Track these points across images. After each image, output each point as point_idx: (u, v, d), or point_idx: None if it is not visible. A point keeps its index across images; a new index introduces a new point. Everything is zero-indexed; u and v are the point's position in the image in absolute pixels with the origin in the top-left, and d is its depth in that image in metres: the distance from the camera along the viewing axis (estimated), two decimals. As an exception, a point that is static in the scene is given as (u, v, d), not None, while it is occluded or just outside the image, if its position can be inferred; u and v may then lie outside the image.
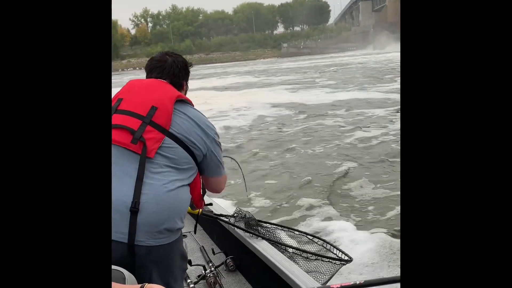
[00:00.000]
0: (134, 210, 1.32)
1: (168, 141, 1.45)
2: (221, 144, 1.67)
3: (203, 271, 2.27)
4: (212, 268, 2.28)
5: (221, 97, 19.19)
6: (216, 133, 1.60)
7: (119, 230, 1.30)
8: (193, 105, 1.61)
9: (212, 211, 2.39)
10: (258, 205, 5.70)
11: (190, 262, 2.25)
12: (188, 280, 2.19)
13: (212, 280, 2.17)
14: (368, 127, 10.15)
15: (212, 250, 2.52)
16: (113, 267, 1.06)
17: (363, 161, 7.28)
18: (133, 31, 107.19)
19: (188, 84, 1.78)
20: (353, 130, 9.93)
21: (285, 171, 7.20)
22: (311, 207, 5.44)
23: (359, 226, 4.67)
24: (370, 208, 5.20)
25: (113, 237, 1.27)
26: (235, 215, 2.29)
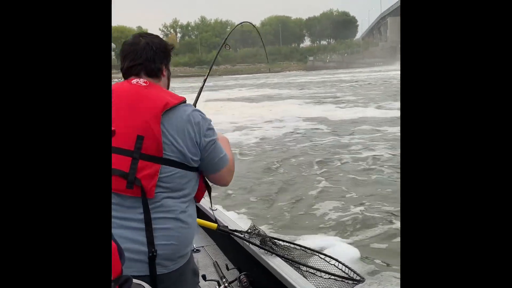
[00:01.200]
0: (153, 256, 1.31)
1: (165, 169, 1.34)
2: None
3: (217, 287, 2.27)
4: (226, 284, 2.27)
5: (241, 108, 19.28)
6: (208, 129, 1.43)
7: (140, 270, 1.31)
8: (182, 100, 1.43)
9: (227, 227, 2.41)
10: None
11: (204, 277, 2.27)
12: None
13: None
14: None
15: (226, 265, 2.52)
16: (135, 280, 1.08)
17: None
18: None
19: (170, 69, 1.57)
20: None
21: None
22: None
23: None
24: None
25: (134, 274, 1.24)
26: (249, 231, 2.30)
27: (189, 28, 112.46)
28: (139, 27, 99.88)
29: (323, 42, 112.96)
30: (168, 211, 1.35)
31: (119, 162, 1.30)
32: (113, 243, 0.95)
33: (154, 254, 1.30)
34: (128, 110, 1.35)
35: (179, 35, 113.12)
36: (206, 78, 2.23)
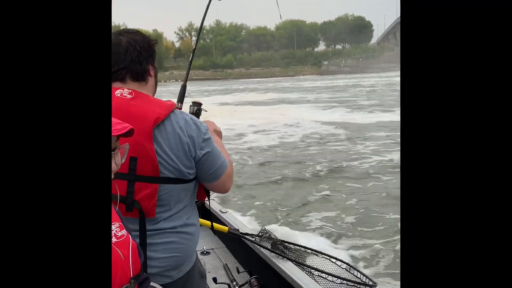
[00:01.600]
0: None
1: (163, 187, 1.28)
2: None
3: None
4: (237, 287, 2.27)
5: (254, 112, 19.30)
6: (203, 141, 1.33)
7: None
8: (172, 107, 1.32)
9: (238, 230, 2.41)
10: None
11: (215, 280, 2.29)
12: None
13: None
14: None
15: (237, 268, 2.51)
16: (151, 283, 1.08)
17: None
18: (177, 44, 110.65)
19: (156, 67, 1.44)
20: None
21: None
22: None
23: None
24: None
25: None
26: (260, 234, 2.30)
27: (204, 31, 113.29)
28: (155, 30, 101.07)
29: (338, 47, 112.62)
30: (169, 227, 1.32)
31: (115, 186, 1.20)
32: (133, 242, 0.96)
33: (146, 274, 1.23)
34: None
35: (194, 38, 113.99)
36: (187, 79, 2.00)
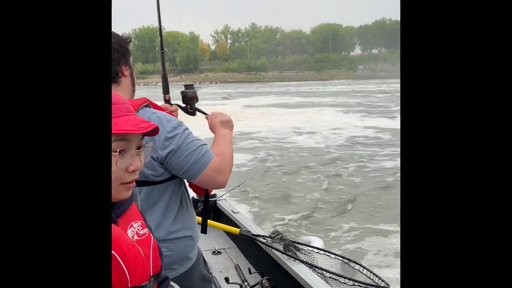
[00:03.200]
0: None
1: (138, 190, 1.22)
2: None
3: None
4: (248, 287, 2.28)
5: (283, 116, 19.29)
6: (166, 139, 1.23)
7: None
8: (141, 104, 1.25)
9: (250, 231, 2.42)
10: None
11: (227, 280, 2.30)
12: None
13: None
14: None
15: (249, 269, 2.51)
16: (171, 283, 1.09)
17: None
18: (213, 47, 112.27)
19: (133, 66, 1.38)
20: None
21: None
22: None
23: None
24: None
25: None
26: (272, 236, 2.30)
27: (240, 34, 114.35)
28: (191, 33, 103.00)
29: (374, 51, 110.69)
30: (155, 227, 1.24)
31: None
32: (154, 241, 0.96)
33: None
34: None
35: (229, 41, 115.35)
36: (164, 67, 1.80)
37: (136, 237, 0.89)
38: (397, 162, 9.37)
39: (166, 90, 1.69)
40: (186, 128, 1.29)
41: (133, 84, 1.37)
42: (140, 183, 1.23)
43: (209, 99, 30.82)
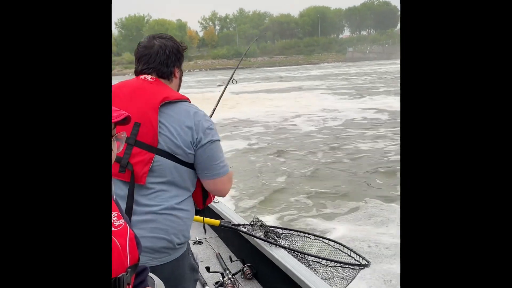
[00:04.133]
0: None
1: (158, 158, 1.34)
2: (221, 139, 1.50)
3: (221, 278, 2.30)
4: (230, 276, 2.29)
5: (273, 100, 19.26)
6: (209, 128, 1.42)
7: None
8: (185, 99, 1.44)
9: (230, 222, 2.43)
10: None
11: (208, 269, 2.33)
12: (206, 287, 2.24)
13: (230, 287, 2.20)
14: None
15: (230, 257, 2.53)
16: (149, 274, 1.09)
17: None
18: (201, 34, 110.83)
19: (182, 69, 1.59)
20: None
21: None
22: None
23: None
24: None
25: None
26: (252, 223, 2.32)
27: (228, 20, 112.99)
28: (179, 20, 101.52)
29: (363, 33, 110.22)
30: (159, 203, 1.35)
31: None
32: (131, 231, 0.95)
33: None
34: (129, 99, 1.38)
35: (217, 27, 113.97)
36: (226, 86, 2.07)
37: (113, 229, 0.87)
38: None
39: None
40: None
41: (179, 86, 1.59)
42: (171, 156, 1.36)
43: (206, 86, 30.61)
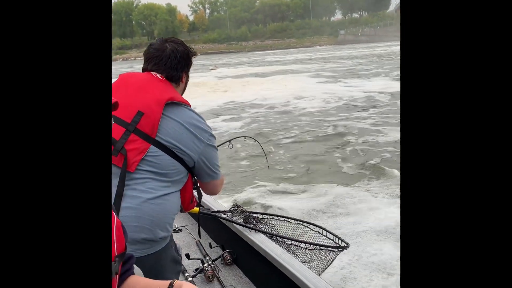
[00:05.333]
0: None
1: (153, 149, 1.36)
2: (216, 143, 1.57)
3: (201, 265, 2.30)
4: (210, 262, 2.29)
5: (264, 84, 19.22)
6: (210, 135, 1.49)
7: None
8: (188, 105, 1.48)
9: (209, 209, 2.44)
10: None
11: (188, 256, 2.32)
12: (186, 274, 2.22)
13: (210, 273, 2.21)
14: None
15: (209, 244, 2.52)
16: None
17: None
18: (191, 18, 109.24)
19: (190, 75, 1.63)
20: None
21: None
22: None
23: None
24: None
25: None
26: (232, 209, 2.33)
27: (218, 3, 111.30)
28: (168, 4, 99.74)
29: (355, 15, 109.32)
30: (146, 192, 1.36)
31: (113, 129, 1.31)
32: (118, 220, 0.95)
33: None
34: (137, 90, 1.42)
35: (207, 11, 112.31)
36: None
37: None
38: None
39: None
40: None
41: (183, 90, 1.64)
42: (167, 150, 1.38)
43: (197, 71, 30.38)
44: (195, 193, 1.68)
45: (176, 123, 1.40)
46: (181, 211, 1.59)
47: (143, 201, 1.35)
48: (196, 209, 2.40)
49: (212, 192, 1.64)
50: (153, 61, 1.52)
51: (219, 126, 10.65)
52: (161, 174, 1.38)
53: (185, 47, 1.57)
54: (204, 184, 1.58)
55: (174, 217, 1.49)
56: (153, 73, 1.50)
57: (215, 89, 18.16)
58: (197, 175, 1.54)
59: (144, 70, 1.55)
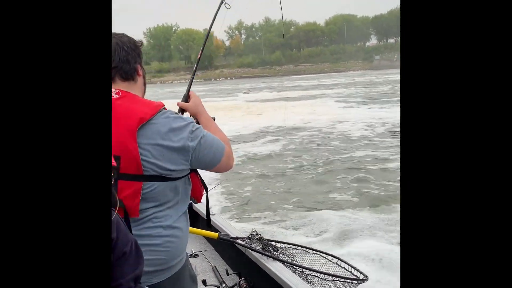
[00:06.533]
0: None
1: (147, 185, 1.27)
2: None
3: None
4: None
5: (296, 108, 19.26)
6: (190, 132, 1.32)
7: None
8: (160, 108, 1.31)
9: (228, 235, 2.41)
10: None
11: (204, 283, 2.28)
12: None
13: None
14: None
15: (226, 271, 2.48)
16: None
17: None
18: (227, 43, 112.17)
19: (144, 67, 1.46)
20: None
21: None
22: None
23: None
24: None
25: None
26: (250, 237, 2.30)
27: (253, 29, 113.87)
28: (206, 29, 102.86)
29: (390, 41, 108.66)
30: (155, 227, 1.31)
31: None
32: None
33: None
34: None
35: (243, 36, 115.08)
36: (193, 78, 2.02)
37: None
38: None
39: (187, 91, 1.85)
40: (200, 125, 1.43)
41: (144, 84, 1.47)
42: (159, 178, 1.29)
43: (230, 94, 30.93)
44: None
45: (153, 147, 1.27)
46: (194, 202, 1.47)
47: (155, 238, 1.31)
48: (215, 234, 2.41)
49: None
50: None
51: (258, 150, 10.70)
52: (164, 202, 1.32)
53: (129, 38, 1.42)
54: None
55: (187, 239, 1.44)
56: None
57: (247, 112, 18.40)
58: (204, 168, 1.41)
59: None
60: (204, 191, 1.52)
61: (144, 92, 1.49)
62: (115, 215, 0.97)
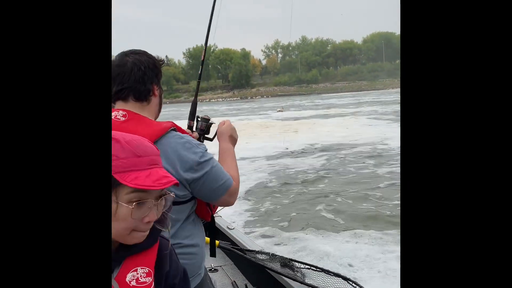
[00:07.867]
0: None
1: None
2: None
3: None
4: None
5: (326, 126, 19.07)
6: (199, 160, 1.29)
7: None
8: (167, 131, 1.28)
9: (253, 250, 2.39)
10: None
11: None
12: None
13: None
14: None
15: (246, 286, 2.48)
16: None
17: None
18: (264, 62, 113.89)
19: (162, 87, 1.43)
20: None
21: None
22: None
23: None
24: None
25: None
26: (271, 254, 2.29)
27: (290, 48, 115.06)
28: (243, 49, 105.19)
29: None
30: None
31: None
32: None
33: None
34: None
35: (280, 55, 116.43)
36: (197, 95, 1.97)
37: (134, 283, 0.84)
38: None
39: (192, 117, 1.79)
40: (212, 156, 1.37)
41: (160, 105, 1.43)
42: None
43: (262, 113, 31.18)
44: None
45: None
46: (203, 221, 1.46)
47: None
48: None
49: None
50: (117, 80, 1.31)
51: (293, 165, 10.64)
52: (173, 226, 1.29)
53: (149, 56, 1.37)
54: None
55: (204, 253, 1.40)
56: (113, 114, 1.29)
57: (279, 131, 18.44)
58: (204, 199, 1.37)
59: (113, 95, 1.35)
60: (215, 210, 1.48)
61: (159, 112, 1.45)
62: (169, 246, 0.95)
